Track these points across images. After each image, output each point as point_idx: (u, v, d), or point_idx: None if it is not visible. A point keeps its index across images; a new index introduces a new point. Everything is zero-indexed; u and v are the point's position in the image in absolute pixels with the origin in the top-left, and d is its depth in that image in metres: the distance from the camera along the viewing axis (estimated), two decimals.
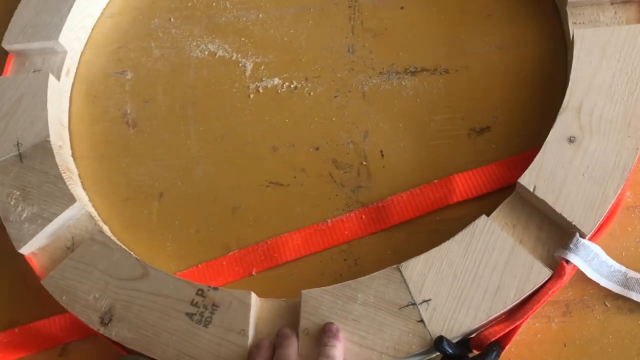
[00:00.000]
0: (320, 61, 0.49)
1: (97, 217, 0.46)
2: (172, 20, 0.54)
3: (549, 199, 0.37)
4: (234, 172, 0.46)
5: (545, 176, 0.38)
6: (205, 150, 0.48)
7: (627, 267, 0.38)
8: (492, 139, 0.44)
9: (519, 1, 0.48)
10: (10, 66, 0.52)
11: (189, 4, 0.54)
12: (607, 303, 0.38)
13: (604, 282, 0.37)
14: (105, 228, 0.45)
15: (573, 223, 0.37)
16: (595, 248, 0.37)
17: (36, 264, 0.43)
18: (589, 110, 0.39)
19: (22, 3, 0.53)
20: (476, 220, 0.38)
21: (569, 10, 0.44)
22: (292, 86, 0.49)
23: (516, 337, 0.37)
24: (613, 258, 0.38)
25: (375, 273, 0.38)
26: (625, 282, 0.37)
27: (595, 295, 0.38)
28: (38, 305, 0.44)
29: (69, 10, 0.52)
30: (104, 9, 0.56)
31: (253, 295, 0.38)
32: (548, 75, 0.44)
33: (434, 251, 0.38)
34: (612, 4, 0.44)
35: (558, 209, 0.37)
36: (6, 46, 0.52)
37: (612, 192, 0.37)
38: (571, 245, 0.36)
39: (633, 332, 0.36)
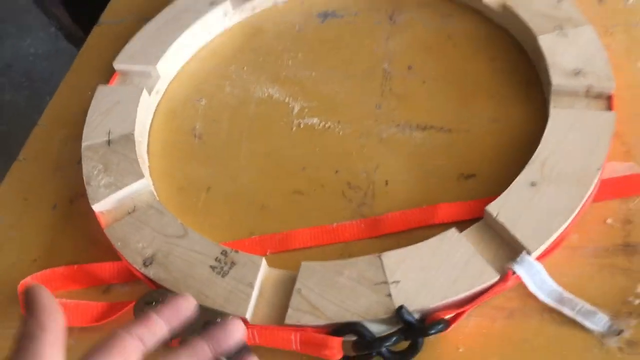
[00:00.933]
0: (352, 111, 0.62)
1: (157, 197, 0.58)
2: (245, 68, 0.69)
3: (507, 224, 0.47)
4: (269, 181, 0.58)
5: (507, 207, 0.48)
6: (250, 162, 0.60)
7: (563, 288, 0.46)
8: (476, 183, 0.54)
9: (517, 89, 0.60)
10: (114, 80, 0.67)
11: (261, 59, 0.69)
12: (543, 314, 0.46)
13: (541, 297, 0.46)
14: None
15: (522, 243, 0.46)
16: (537, 266, 0.46)
17: (103, 221, 0.55)
18: (551, 165, 0.50)
19: (135, 36, 0.69)
20: (446, 231, 0.48)
21: (552, 97, 0.56)
22: (326, 125, 0.61)
23: (466, 330, 0.45)
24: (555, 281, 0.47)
25: (360, 257, 0.48)
26: (560, 299, 0.46)
27: (534, 307, 0.46)
28: (95, 255, 0.55)
29: (168, 47, 0.67)
30: (195, 53, 0.71)
31: (264, 260, 0.49)
32: (529, 142, 0.55)
33: (410, 248, 0.47)
34: (586, 96, 0.55)
35: (512, 232, 0.47)
36: (115, 66, 0.67)
37: (557, 225, 0.47)
38: (518, 259, 0.46)
39: (561, 338, 0.44)
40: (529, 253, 0.46)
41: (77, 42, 1.02)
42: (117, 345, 0.28)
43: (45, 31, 1.91)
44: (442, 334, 0.45)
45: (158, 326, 0.31)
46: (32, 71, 1.86)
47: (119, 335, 0.29)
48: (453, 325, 0.44)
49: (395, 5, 0.71)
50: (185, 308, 0.34)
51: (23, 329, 0.27)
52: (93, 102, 0.64)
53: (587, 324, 0.45)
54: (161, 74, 0.67)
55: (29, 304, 0.27)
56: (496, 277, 0.45)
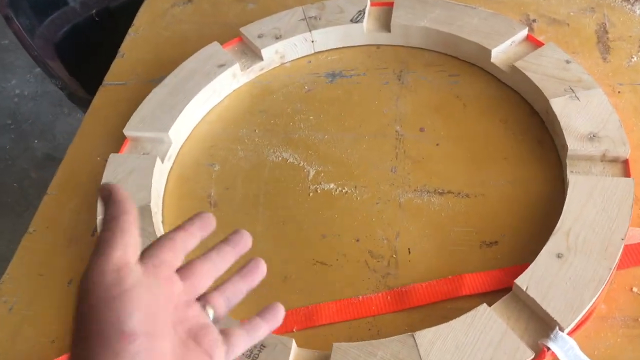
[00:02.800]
0: (368, 175, 0.62)
1: None
2: (256, 131, 0.68)
3: (538, 298, 0.47)
4: (288, 250, 0.58)
5: (536, 280, 0.48)
6: (268, 230, 0.60)
7: None
8: (499, 251, 0.55)
9: (531, 150, 0.61)
10: (125, 147, 0.67)
11: (272, 122, 0.69)
12: None
13: None
14: None
15: (555, 319, 0.46)
16: (570, 341, 0.46)
17: None
18: (575, 235, 0.50)
19: (144, 101, 0.69)
20: (478, 307, 0.48)
21: (568, 161, 0.57)
22: (343, 191, 0.61)
23: None
24: (589, 356, 0.47)
25: (393, 337, 0.47)
26: None
27: None
28: None
29: (179, 113, 0.67)
30: (205, 115, 0.71)
31: (294, 342, 0.48)
32: (548, 207, 0.56)
33: (442, 326, 0.47)
34: (601, 161, 0.56)
35: (544, 307, 0.47)
36: (126, 132, 0.67)
37: (587, 298, 0.47)
38: (552, 335, 0.46)
39: None
40: (561, 329, 0.46)
41: (76, 99, 1.01)
42: (175, 238, 0.36)
43: (31, 72, 1.89)
44: None
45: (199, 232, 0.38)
46: (17, 112, 1.83)
47: (177, 232, 0.36)
48: None
49: (403, 65, 0.71)
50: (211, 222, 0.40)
51: (109, 212, 0.33)
52: (106, 171, 0.63)
53: None
54: (172, 139, 0.66)
55: (108, 197, 0.34)
56: (531, 355, 0.45)
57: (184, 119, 0.68)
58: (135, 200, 0.59)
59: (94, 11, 1.17)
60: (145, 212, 0.59)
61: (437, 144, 0.64)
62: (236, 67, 0.72)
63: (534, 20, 0.73)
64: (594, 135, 0.57)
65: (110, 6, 1.18)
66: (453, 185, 0.60)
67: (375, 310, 0.53)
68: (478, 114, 0.65)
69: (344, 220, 0.59)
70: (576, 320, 0.47)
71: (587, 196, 0.53)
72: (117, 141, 0.68)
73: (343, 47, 0.75)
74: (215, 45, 0.74)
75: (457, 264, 0.54)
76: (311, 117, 0.68)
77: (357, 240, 0.57)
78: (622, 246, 0.50)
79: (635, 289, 0.50)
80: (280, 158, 0.65)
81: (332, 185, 0.62)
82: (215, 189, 0.64)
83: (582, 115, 0.58)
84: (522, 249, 0.54)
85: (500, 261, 0.54)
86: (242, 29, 0.74)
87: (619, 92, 0.64)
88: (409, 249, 0.56)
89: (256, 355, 0.48)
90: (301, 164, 0.64)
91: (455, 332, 0.47)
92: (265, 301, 0.54)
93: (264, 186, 0.63)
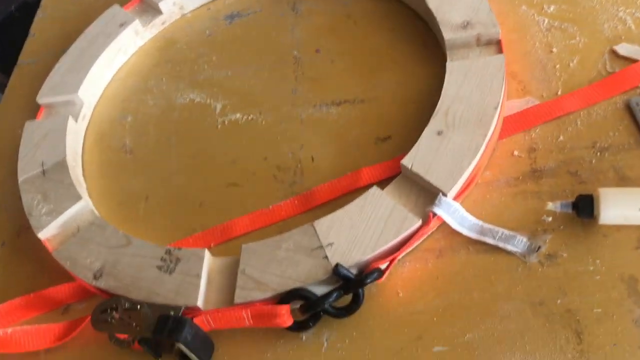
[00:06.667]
0: (271, 100, 0.65)
1: (98, 214, 0.60)
2: (164, 80, 0.71)
3: (421, 172, 0.51)
4: (202, 179, 0.61)
5: (420, 158, 0.52)
6: (182, 165, 0.63)
7: (483, 221, 0.50)
8: (392, 144, 0.58)
9: (417, 52, 0.64)
10: (41, 114, 0.69)
11: (177, 69, 0.72)
12: (469, 247, 0.50)
13: (465, 232, 0.50)
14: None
15: (437, 187, 0.50)
16: (455, 204, 0.50)
17: (50, 246, 0.57)
18: (453, 113, 0.54)
19: (53, 70, 0.71)
20: (369, 190, 0.52)
21: (447, 52, 0.60)
22: (249, 118, 0.64)
23: (402, 275, 0.49)
24: (474, 216, 0.51)
25: (295, 229, 0.51)
26: (481, 231, 0.50)
27: (460, 242, 0.50)
28: (49, 280, 0.57)
29: (86, 74, 0.69)
30: (114, 74, 0.74)
31: (206, 251, 0.52)
32: (435, 98, 0.59)
33: (338, 212, 0.51)
34: (478, 45, 0.60)
35: (427, 178, 0.50)
36: (39, 100, 0.69)
37: (466, 164, 0.51)
38: (436, 202, 0.49)
39: (488, 265, 0.48)
40: (445, 194, 0.50)
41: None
42: None
43: None
44: (382, 283, 0.49)
45: None
46: None
47: None
48: (387, 273, 0.48)
49: None
50: None
51: None
52: (23, 137, 0.65)
53: (509, 247, 0.49)
54: (84, 100, 0.69)
55: None
56: (419, 222, 0.49)
57: (93, 79, 0.70)
58: (51, 157, 0.62)
59: (13, 7, 1.19)
60: (61, 166, 0.61)
61: (332, 61, 0.67)
62: (136, 23, 0.74)
63: None
64: (467, 23, 0.60)
65: (28, 0, 1.19)
66: (349, 94, 0.63)
67: (284, 214, 0.56)
68: (368, 29, 0.68)
69: (252, 144, 0.62)
70: (458, 186, 0.51)
71: (463, 77, 0.56)
72: (36, 113, 0.70)
73: None
74: (115, 8, 0.76)
75: (356, 161, 0.58)
76: (214, 58, 0.71)
77: (265, 159, 0.61)
78: (497, 115, 0.53)
79: (516, 152, 0.54)
80: (188, 99, 0.68)
81: (238, 115, 0.65)
82: (129, 138, 0.67)
83: (456, 7, 0.62)
84: (413, 139, 0.57)
85: (394, 152, 0.57)
86: None
87: None
88: (312, 157, 0.59)
89: (172, 269, 0.51)
90: (208, 102, 0.67)
91: (350, 215, 0.50)
92: (186, 228, 0.58)
93: (175, 127, 0.66)
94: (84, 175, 0.65)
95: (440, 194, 0.50)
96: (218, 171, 0.61)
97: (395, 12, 0.69)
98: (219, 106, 0.66)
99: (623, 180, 0.50)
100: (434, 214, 0.49)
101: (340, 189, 0.56)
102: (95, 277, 0.53)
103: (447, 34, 0.60)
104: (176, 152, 0.64)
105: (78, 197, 0.58)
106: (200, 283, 0.50)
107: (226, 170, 0.61)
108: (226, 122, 0.65)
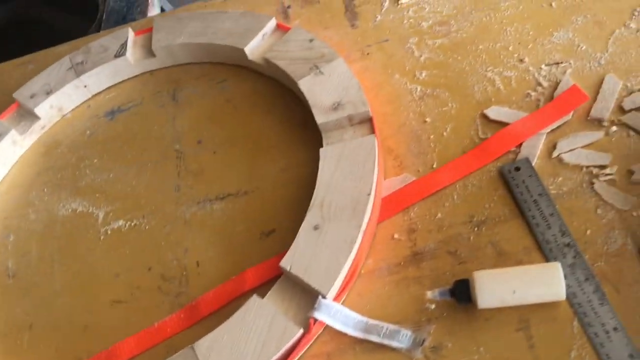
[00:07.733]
0: (154, 201, 0.63)
1: None
2: (45, 190, 0.68)
3: (300, 274, 0.49)
4: (86, 298, 0.58)
5: (298, 257, 0.50)
6: (65, 284, 0.60)
7: (369, 317, 0.49)
8: (277, 238, 0.56)
9: (296, 134, 0.63)
10: None
11: (59, 176, 0.69)
12: (355, 348, 0.48)
13: (350, 331, 0.48)
14: None
15: (316, 288, 0.48)
16: (336, 306, 0.48)
17: None
18: (328, 204, 0.53)
19: None
20: (249, 300, 0.50)
21: (323, 135, 0.59)
22: (132, 224, 0.62)
23: None
24: (361, 312, 0.49)
25: (175, 354, 0.48)
26: (366, 329, 0.48)
27: (348, 343, 0.48)
28: None
29: None
30: None
31: None
32: (315, 185, 0.58)
33: (218, 329, 0.49)
34: (351, 125, 0.59)
35: (306, 280, 0.49)
36: None
37: (342, 260, 0.49)
38: (315, 305, 0.48)
39: None
40: (324, 297, 0.48)
41: None
42: None
43: None
44: None
45: None
46: None
47: None
48: None
49: (176, 84, 0.72)
50: None
51: None
52: None
53: (394, 344, 0.47)
54: None
55: None
56: (300, 331, 0.47)
57: None
58: None
59: None
60: None
61: (214, 152, 0.65)
62: (13, 133, 0.71)
63: (288, 7, 0.75)
64: (338, 104, 0.59)
65: None
66: (232, 187, 0.61)
67: (170, 331, 0.54)
68: (247, 112, 0.67)
69: (136, 254, 0.60)
70: (338, 284, 0.49)
71: (336, 163, 0.55)
72: None
73: (119, 83, 0.75)
74: None
75: (243, 260, 0.56)
76: (95, 160, 0.69)
77: (150, 269, 0.58)
78: (371, 201, 0.52)
79: (396, 235, 0.53)
80: (70, 210, 0.65)
81: (121, 222, 0.62)
82: (12, 259, 0.63)
83: (326, 88, 0.61)
84: (297, 230, 0.56)
85: (279, 247, 0.56)
86: (15, 94, 0.74)
87: (367, 53, 0.67)
88: (197, 262, 0.57)
89: None
90: (90, 210, 0.64)
91: (230, 331, 0.48)
92: (70, 354, 0.55)
93: (57, 243, 0.63)
94: None
95: (320, 296, 0.48)
96: (102, 288, 0.58)
97: (273, 93, 0.68)
98: (101, 214, 0.64)
99: (501, 256, 0.50)
100: (315, 320, 0.47)
101: (225, 296, 0.54)
102: None
103: (319, 118, 0.59)
104: (59, 271, 0.61)
105: None
106: None
107: (110, 286, 0.58)
108: (109, 231, 0.62)
